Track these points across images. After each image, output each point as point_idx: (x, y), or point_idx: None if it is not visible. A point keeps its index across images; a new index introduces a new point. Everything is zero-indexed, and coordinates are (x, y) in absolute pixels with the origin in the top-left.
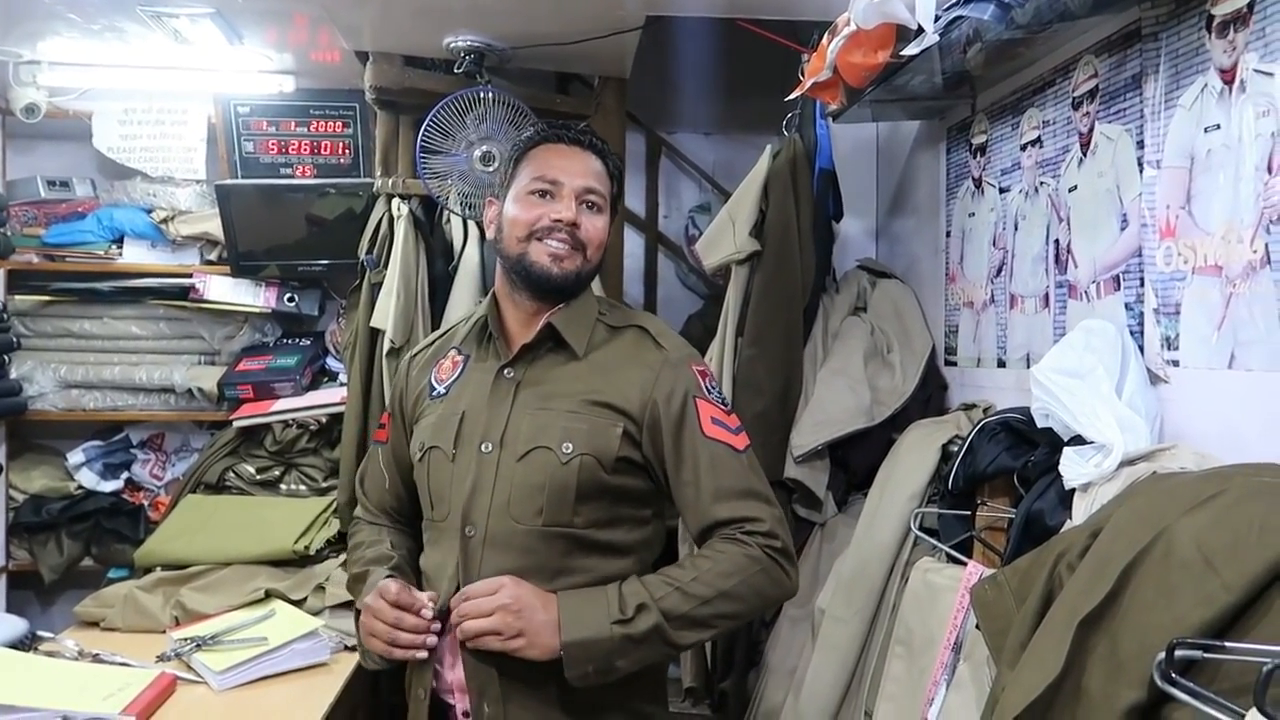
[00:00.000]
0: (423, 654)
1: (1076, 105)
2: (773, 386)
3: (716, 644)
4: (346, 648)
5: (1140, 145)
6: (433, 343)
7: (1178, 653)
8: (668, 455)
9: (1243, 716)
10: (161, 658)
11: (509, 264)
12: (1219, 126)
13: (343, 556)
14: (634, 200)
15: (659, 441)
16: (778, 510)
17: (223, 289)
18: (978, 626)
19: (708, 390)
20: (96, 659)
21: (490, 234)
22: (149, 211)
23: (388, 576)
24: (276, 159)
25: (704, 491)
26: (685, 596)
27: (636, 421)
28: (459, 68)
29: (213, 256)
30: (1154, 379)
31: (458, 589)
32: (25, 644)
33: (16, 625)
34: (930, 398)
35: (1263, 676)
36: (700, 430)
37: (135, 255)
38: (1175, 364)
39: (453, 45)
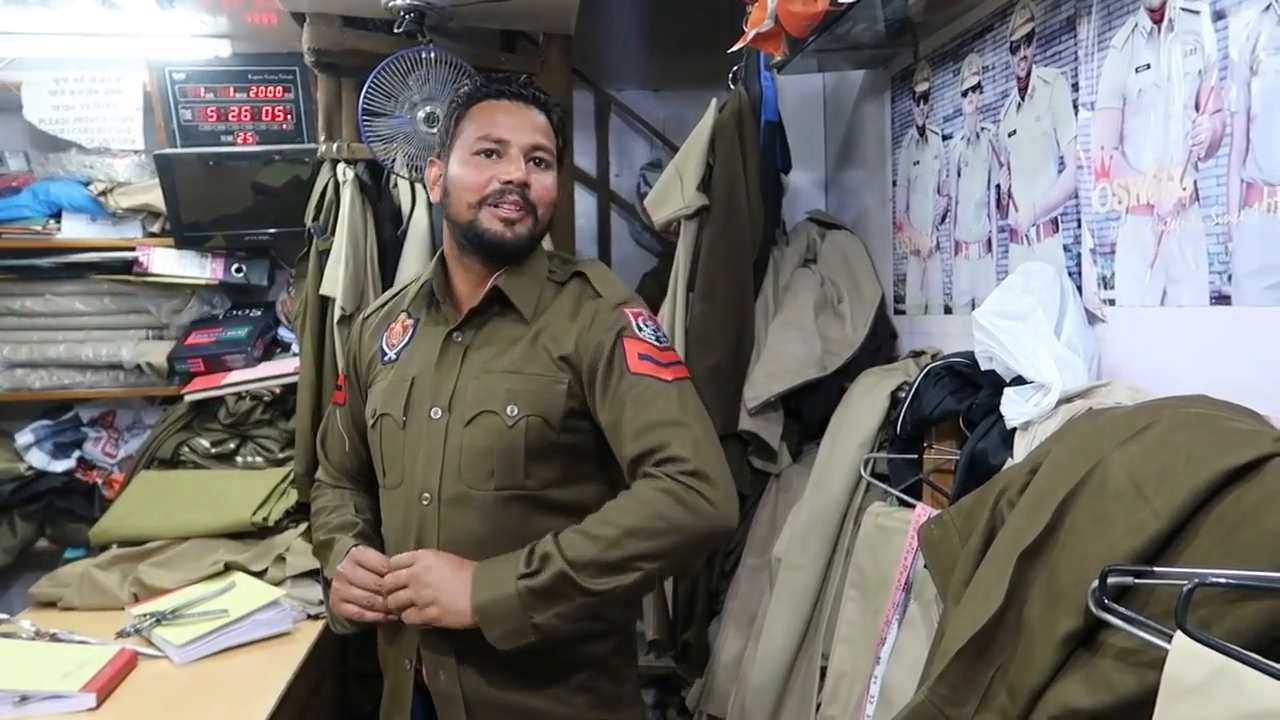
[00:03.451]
0: (395, 616)
1: (1014, 49)
2: (725, 340)
3: (678, 596)
4: (309, 616)
5: (1075, 88)
6: (384, 304)
7: (1110, 580)
8: (598, 399)
9: (1170, 637)
10: (121, 634)
11: (459, 230)
12: (1149, 66)
13: (303, 526)
14: (584, 159)
15: (594, 389)
16: (693, 431)
17: (168, 261)
18: (926, 566)
19: (639, 328)
20: (54, 638)
21: (435, 196)
22: (87, 184)
23: (354, 546)
24: (216, 126)
25: (626, 428)
26: (590, 539)
27: (577, 373)
28: (399, 27)
29: (155, 228)
30: (1092, 318)
31: None
32: None
33: None
34: (880, 347)
35: (1183, 597)
36: (626, 367)
37: (74, 229)
38: (1111, 303)
39: (392, 4)
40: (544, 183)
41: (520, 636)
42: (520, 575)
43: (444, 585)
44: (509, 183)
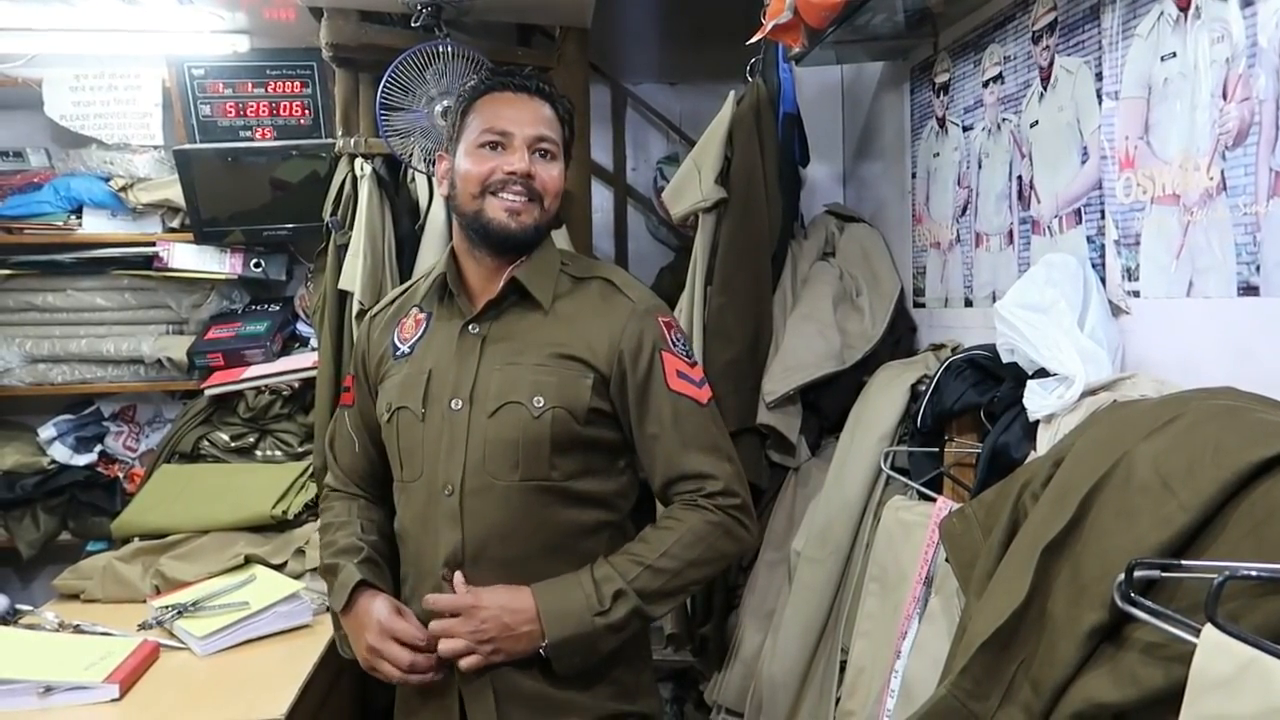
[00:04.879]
0: (440, 675)
1: (1036, 39)
2: (743, 334)
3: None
4: (329, 609)
5: (1099, 77)
6: (393, 301)
7: (1137, 573)
8: (633, 408)
9: (1199, 631)
10: (143, 626)
11: (465, 221)
12: (1175, 54)
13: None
14: (601, 154)
15: (625, 394)
16: (736, 465)
17: (187, 257)
18: (947, 559)
19: (673, 343)
20: (77, 630)
21: (443, 190)
22: (107, 180)
23: (360, 582)
24: (235, 122)
25: (667, 446)
26: (655, 573)
27: (604, 374)
28: (416, 22)
29: (175, 224)
30: (1115, 310)
31: (446, 553)
32: (6, 619)
33: None
34: (899, 340)
35: (1214, 590)
36: (665, 384)
37: (95, 225)
38: (1135, 294)
39: None
40: (549, 173)
41: (587, 663)
42: (597, 613)
43: (504, 635)
44: (512, 173)
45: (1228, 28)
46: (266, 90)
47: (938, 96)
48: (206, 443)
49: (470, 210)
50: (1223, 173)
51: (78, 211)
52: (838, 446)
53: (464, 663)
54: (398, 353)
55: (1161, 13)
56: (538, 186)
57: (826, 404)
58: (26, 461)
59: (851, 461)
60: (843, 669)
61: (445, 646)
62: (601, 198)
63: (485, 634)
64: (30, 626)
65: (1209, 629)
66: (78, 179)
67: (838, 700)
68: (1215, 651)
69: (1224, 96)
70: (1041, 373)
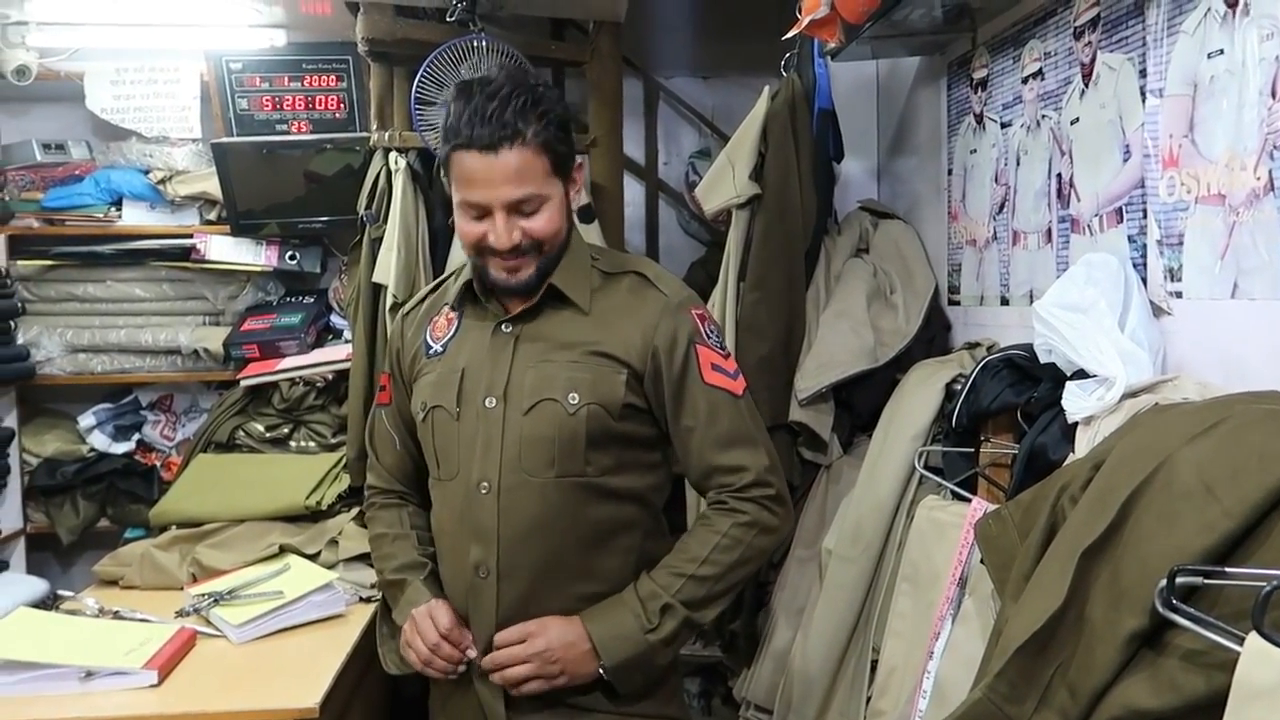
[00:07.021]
0: (454, 675)
1: (1078, 35)
2: (776, 330)
3: None
4: (361, 599)
5: (1143, 74)
6: (425, 298)
7: (1179, 579)
8: (668, 402)
9: (1242, 639)
10: (180, 613)
11: (471, 265)
12: (1222, 51)
13: (354, 510)
14: (633, 148)
15: (660, 388)
16: (771, 455)
17: (224, 249)
18: (982, 561)
19: (707, 335)
20: (117, 616)
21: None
22: (146, 172)
23: (430, 600)
24: (271, 115)
25: (702, 439)
26: (699, 582)
27: (638, 369)
28: (451, 16)
29: (212, 216)
30: (1157, 311)
31: (482, 549)
32: (46, 604)
33: (37, 586)
34: (934, 338)
35: (1260, 599)
36: (701, 377)
37: (135, 217)
38: (1178, 295)
39: None
40: (537, 224)
41: (648, 679)
42: (648, 630)
43: (568, 656)
44: (497, 251)
45: (1277, 24)
46: (302, 84)
47: (975, 92)
48: (242, 433)
49: (472, 261)
50: (1270, 173)
51: (118, 203)
52: (870, 444)
53: (526, 688)
54: (431, 351)
55: (1209, 9)
56: (528, 242)
57: (859, 401)
58: (67, 449)
59: (884, 460)
60: (874, 668)
61: (512, 674)
62: (633, 192)
63: (553, 655)
64: (71, 612)
65: (1253, 637)
66: (118, 171)
67: (869, 699)
68: (1259, 660)
69: (1273, 95)
70: (1080, 374)
